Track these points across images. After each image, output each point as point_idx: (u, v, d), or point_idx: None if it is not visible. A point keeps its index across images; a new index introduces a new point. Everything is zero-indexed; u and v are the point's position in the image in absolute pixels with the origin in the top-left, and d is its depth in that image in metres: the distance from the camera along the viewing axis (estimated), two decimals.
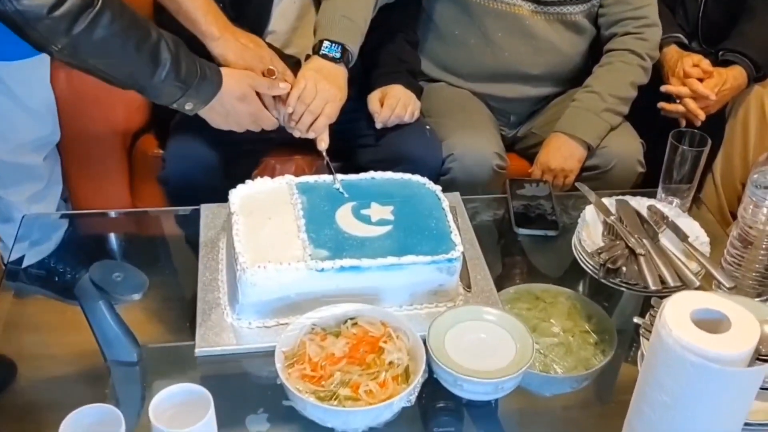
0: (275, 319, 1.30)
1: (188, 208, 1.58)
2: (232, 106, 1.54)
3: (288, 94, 1.59)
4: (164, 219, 1.70)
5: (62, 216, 1.76)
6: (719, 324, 0.95)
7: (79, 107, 1.87)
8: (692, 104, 1.88)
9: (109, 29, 1.30)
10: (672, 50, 1.97)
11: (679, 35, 1.99)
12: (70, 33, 1.27)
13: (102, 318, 1.25)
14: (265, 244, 1.31)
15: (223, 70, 1.53)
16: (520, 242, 1.58)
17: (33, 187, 1.90)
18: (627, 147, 1.87)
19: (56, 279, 1.69)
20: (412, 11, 1.95)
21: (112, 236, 1.66)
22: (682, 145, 1.51)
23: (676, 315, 0.95)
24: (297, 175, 1.54)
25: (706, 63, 1.90)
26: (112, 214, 1.73)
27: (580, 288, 1.45)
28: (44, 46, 1.31)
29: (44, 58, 1.81)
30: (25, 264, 1.51)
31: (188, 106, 1.48)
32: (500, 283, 1.43)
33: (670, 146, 1.52)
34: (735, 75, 1.92)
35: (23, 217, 1.57)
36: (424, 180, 1.49)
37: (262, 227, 1.35)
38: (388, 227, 1.37)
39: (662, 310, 0.96)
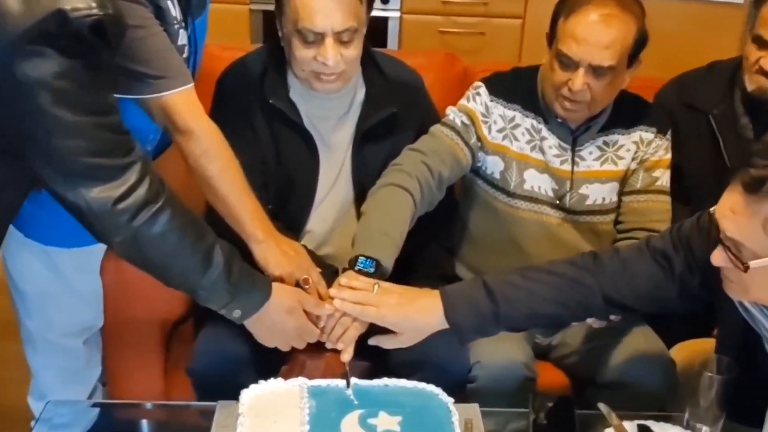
0: None
1: (209, 404, 1.59)
2: (279, 319, 1.59)
3: None
4: (184, 413, 1.71)
5: (93, 403, 1.79)
6: None
7: (124, 295, 1.93)
8: None
9: (168, 225, 1.39)
10: None
11: None
12: (130, 225, 1.36)
13: None
14: None
15: (273, 283, 1.59)
16: None
17: (69, 369, 1.95)
18: (654, 364, 1.81)
19: None
20: (448, 218, 2.00)
21: (134, 425, 1.68)
22: (708, 371, 1.45)
23: None
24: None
25: None
26: (147, 405, 1.76)
27: None
28: (105, 237, 1.40)
29: (100, 248, 1.91)
30: None
31: (236, 313, 1.54)
32: None
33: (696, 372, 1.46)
34: None
35: (47, 403, 1.61)
36: (438, 390, 1.48)
37: (266, 431, 1.35)
38: None
39: None
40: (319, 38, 1.73)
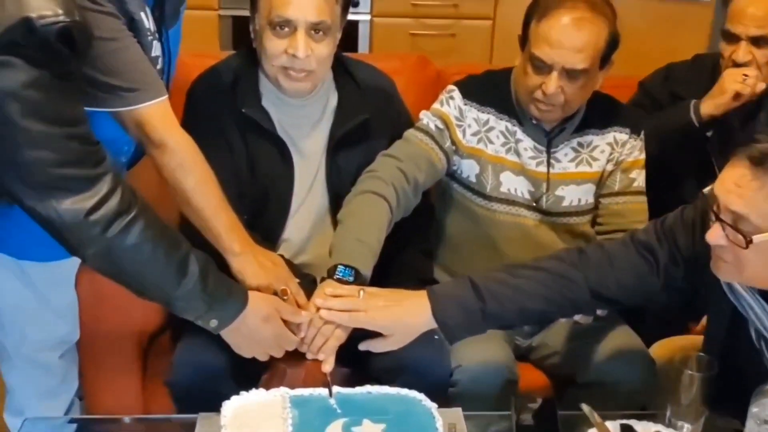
0: None
1: (190, 416, 1.57)
2: (256, 327, 1.57)
3: None
4: (164, 426, 1.70)
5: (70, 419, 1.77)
6: None
7: (100, 308, 1.91)
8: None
9: (141, 236, 1.38)
10: None
11: None
12: (103, 236, 1.35)
13: None
14: None
15: (249, 291, 1.58)
16: None
17: (46, 384, 1.92)
18: (634, 362, 1.82)
19: None
20: (424, 221, 2.00)
21: None
22: (688, 369, 1.46)
23: None
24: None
25: None
26: (125, 420, 1.74)
27: None
28: (78, 250, 1.38)
29: (74, 261, 1.89)
30: None
31: (213, 323, 1.52)
32: None
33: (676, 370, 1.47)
34: None
35: (24, 420, 1.58)
36: (421, 396, 1.48)
37: None
38: None
39: None
40: (292, 30, 1.73)
